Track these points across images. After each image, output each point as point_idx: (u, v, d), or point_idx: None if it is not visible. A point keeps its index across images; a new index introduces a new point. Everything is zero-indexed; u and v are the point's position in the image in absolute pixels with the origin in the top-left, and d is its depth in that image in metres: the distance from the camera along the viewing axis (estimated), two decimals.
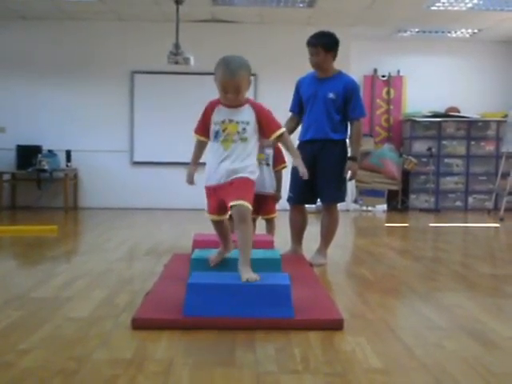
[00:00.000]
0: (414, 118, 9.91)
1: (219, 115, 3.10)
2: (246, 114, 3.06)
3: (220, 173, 3.07)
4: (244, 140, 3.04)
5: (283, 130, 3.14)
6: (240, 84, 2.99)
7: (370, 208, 9.82)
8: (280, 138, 3.13)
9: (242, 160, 3.04)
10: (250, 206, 3.00)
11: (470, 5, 8.05)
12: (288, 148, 3.24)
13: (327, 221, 4.54)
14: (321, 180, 4.42)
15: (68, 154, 9.09)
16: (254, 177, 3.10)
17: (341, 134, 4.44)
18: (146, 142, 9.39)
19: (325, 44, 4.33)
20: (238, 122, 3.05)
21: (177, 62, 7.96)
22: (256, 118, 3.06)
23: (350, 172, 4.41)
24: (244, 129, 3.03)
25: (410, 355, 2.36)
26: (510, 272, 4.50)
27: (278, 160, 4.69)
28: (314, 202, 4.65)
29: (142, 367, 2.17)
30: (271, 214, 4.74)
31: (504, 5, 7.98)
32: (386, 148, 9.89)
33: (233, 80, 2.97)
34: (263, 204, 4.59)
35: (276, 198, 4.73)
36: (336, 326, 2.70)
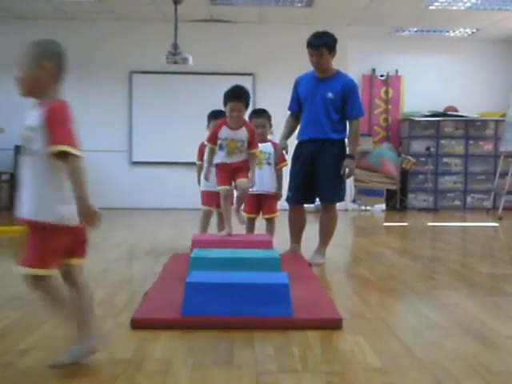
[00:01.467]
0: (412, 118, 9.91)
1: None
2: None
3: None
4: None
5: None
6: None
7: (368, 207, 9.82)
8: None
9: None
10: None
11: (468, 4, 8.06)
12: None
13: (326, 220, 4.54)
14: (320, 180, 4.43)
15: None
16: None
17: (339, 134, 4.44)
18: (144, 142, 9.39)
19: (328, 44, 4.32)
20: None
21: (175, 62, 7.96)
22: None
23: (347, 170, 4.41)
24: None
25: (408, 354, 2.36)
26: (508, 271, 4.51)
27: (279, 158, 4.70)
28: (313, 202, 4.65)
29: (141, 367, 2.17)
30: (273, 213, 4.74)
31: (502, 4, 7.99)
32: (384, 147, 9.89)
33: None
34: (264, 203, 4.65)
35: (277, 196, 4.73)
36: (335, 325, 2.70)
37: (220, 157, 4.20)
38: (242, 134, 4.14)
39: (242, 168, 4.18)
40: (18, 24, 9.15)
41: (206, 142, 4.37)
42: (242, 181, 4.14)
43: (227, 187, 4.16)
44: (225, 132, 4.13)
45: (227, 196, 4.16)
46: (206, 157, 4.42)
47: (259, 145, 4.34)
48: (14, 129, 9.38)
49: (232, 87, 4.16)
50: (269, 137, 4.81)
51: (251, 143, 4.18)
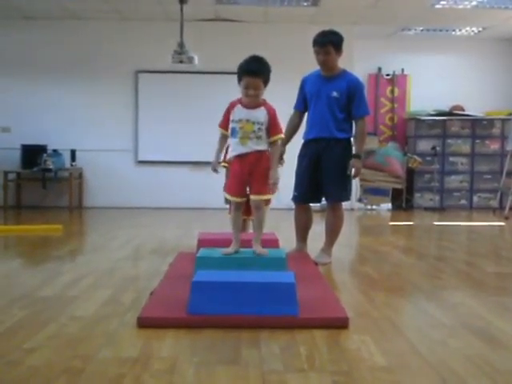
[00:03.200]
0: (418, 117, 9.89)
1: None
2: None
3: None
4: None
5: None
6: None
7: (374, 207, 9.80)
8: None
9: None
10: None
11: (474, 3, 8.03)
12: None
13: (332, 219, 4.54)
14: (325, 179, 4.42)
15: (73, 153, 9.11)
16: None
17: (345, 133, 4.43)
18: (150, 141, 9.40)
19: (335, 42, 4.31)
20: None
21: (181, 61, 7.96)
22: None
23: (353, 169, 4.41)
24: None
25: (414, 353, 2.36)
26: None
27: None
28: (319, 201, 4.64)
29: (147, 365, 2.17)
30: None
31: (509, 3, 7.95)
32: (390, 146, 9.88)
33: None
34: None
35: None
36: (341, 324, 2.70)
37: (232, 147, 3.47)
38: (261, 114, 3.40)
39: (261, 169, 3.42)
40: (26, 24, 9.18)
41: (219, 129, 3.53)
42: (255, 199, 3.45)
43: (240, 199, 3.47)
44: (239, 112, 3.41)
45: (239, 206, 3.50)
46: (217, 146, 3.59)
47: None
48: (21, 128, 9.48)
49: (249, 58, 3.42)
50: None
51: (272, 128, 3.43)
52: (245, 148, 3.39)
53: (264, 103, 3.44)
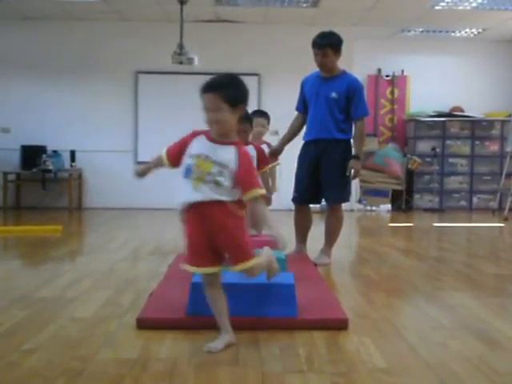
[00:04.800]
0: (418, 118, 9.89)
1: None
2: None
3: None
4: None
5: None
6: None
7: (374, 208, 9.80)
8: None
9: None
10: None
11: (474, 4, 8.03)
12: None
13: (331, 221, 4.54)
14: (325, 180, 4.42)
15: (72, 154, 9.11)
16: None
17: (345, 134, 4.43)
18: (150, 142, 9.37)
19: (333, 44, 4.32)
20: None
21: (181, 62, 7.97)
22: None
23: (352, 170, 4.41)
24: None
25: (414, 355, 2.36)
26: None
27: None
28: (319, 202, 4.64)
29: (146, 367, 2.17)
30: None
31: (508, 4, 7.96)
32: (390, 148, 9.88)
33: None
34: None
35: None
36: (340, 325, 2.70)
37: (180, 192, 2.52)
38: (227, 154, 2.41)
39: (229, 229, 2.39)
40: (26, 25, 9.19)
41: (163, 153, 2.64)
42: (242, 270, 2.46)
43: (212, 269, 2.44)
44: (200, 144, 2.47)
45: (214, 280, 2.49)
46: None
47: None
48: (20, 129, 9.47)
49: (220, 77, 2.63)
50: (268, 137, 4.66)
51: (244, 181, 2.39)
52: (197, 194, 2.39)
53: (237, 142, 2.46)
